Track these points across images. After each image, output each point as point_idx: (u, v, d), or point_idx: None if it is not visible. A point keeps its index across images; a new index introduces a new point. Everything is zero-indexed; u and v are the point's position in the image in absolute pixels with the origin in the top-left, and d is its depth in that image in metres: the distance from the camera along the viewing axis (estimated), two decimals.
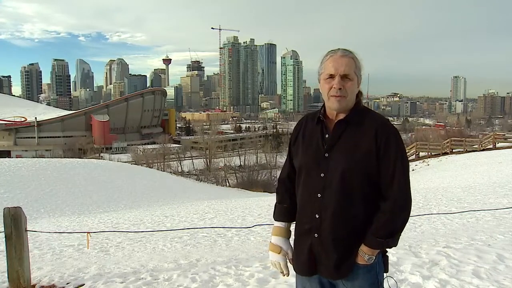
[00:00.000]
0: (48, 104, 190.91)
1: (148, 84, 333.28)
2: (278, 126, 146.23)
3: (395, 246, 1.98)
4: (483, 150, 33.96)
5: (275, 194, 2.30)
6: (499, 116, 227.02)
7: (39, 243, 8.18)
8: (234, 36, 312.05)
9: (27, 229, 4.21)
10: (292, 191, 2.15)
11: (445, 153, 35.14)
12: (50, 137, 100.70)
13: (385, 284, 2.08)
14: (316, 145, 2.01)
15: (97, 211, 18.10)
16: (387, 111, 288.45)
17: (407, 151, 2.19)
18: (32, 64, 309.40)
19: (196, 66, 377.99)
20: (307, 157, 2.02)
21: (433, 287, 3.79)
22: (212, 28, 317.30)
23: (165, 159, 70.92)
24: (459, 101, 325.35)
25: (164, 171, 53.84)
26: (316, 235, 1.97)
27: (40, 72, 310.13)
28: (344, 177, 1.91)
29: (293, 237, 2.12)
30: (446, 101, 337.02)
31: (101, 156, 76.99)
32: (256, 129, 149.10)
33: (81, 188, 22.77)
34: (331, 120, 2.02)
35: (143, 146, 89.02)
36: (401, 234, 1.99)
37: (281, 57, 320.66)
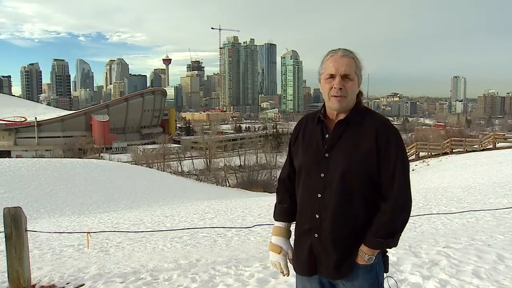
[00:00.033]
0: (48, 104, 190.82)
1: (148, 84, 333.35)
2: (278, 126, 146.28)
3: (395, 246, 1.98)
4: (483, 150, 33.96)
5: (275, 194, 2.30)
6: (499, 116, 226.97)
7: (39, 243, 8.18)
8: (234, 36, 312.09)
9: (27, 229, 4.21)
10: (292, 191, 2.14)
11: (445, 153, 35.15)
12: (50, 137, 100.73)
13: (385, 284, 2.08)
14: (316, 145, 2.00)
15: (97, 211, 18.09)
16: (387, 111, 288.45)
17: (407, 151, 2.18)
18: (32, 64, 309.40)
19: (196, 66, 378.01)
20: (307, 157, 2.02)
21: (433, 287, 3.79)
22: (212, 28, 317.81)
23: (165, 159, 70.92)
24: (459, 101, 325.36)
25: (164, 171, 53.84)
26: (316, 235, 1.97)
27: (40, 72, 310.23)
28: (344, 177, 1.91)
29: (293, 237, 2.12)
30: (446, 101, 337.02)
31: (101, 156, 77.00)
32: (256, 129, 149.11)
33: (81, 188, 22.77)
34: (332, 120, 2.02)
35: (143, 146, 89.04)
36: (401, 234, 1.99)
37: (281, 57, 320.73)
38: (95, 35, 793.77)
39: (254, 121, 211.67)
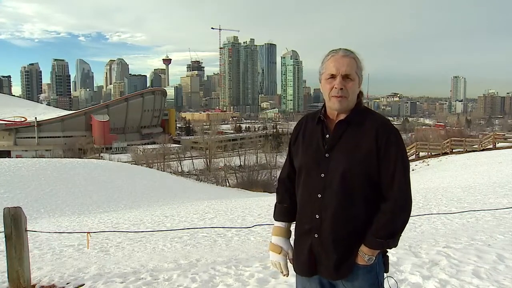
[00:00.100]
0: (48, 104, 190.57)
1: (148, 84, 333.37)
2: (278, 126, 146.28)
3: (395, 246, 1.97)
4: (483, 150, 33.95)
5: (275, 194, 2.30)
6: (499, 116, 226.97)
7: (39, 243, 8.18)
8: (234, 36, 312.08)
9: (27, 229, 4.21)
10: (292, 191, 2.14)
11: (445, 153, 35.15)
12: (50, 137, 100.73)
13: (385, 284, 2.08)
14: (317, 145, 2.00)
15: (97, 211, 18.10)
16: (387, 111, 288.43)
17: (407, 151, 2.18)
18: (32, 64, 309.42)
19: (196, 66, 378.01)
20: (307, 157, 2.02)
21: (433, 287, 3.79)
22: (212, 28, 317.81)
23: (165, 159, 70.93)
24: (459, 101, 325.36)
25: (164, 171, 53.84)
26: (316, 235, 1.97)
27: (40, 72, 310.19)
28: (344, 178, 1.91)
29: (293, 237, 2.12)
30: (446, 101, 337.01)
31: (101, 156, 77.00)
32: (256, 129, 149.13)
33: (81, 188, 22.77)
34: (332, 120, 2.01)
35: (143, 146, 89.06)
36: (401, 234, 1.99)
37: (281, 57, 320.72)
38: (95, 35, 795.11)
39: (254, 121, 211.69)
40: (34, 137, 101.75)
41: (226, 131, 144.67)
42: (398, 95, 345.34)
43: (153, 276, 4.46)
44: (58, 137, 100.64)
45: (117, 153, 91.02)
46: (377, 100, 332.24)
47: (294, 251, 2.10)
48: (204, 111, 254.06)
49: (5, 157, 42.81)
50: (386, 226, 1.91)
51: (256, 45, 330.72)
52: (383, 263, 2.03)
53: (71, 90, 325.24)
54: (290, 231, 2.17)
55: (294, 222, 2.12)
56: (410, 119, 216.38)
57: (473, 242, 5.29)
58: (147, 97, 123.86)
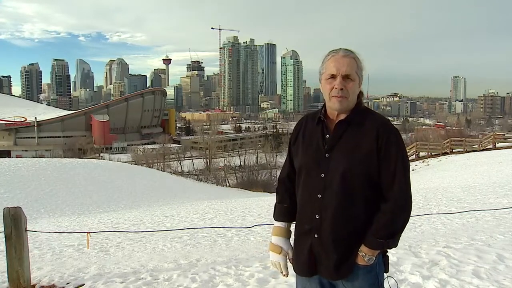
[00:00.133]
0: (48, 104, 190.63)
1: (148, 84, 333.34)
2: (278, 126, 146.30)
3: (395, 246, 1.97)
4: (483, 150, 33.96)
5: (275, 194, 2.30)
6: (499, 116, 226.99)
7: (39, 243, 8.18)
8: (234, 36, 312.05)
9: (27, 229, 4.21)
10: (292, 191, 2.14)
11: (445, 153, 35.15)
12: (50, 137, 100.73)
13: (386, 284, 2.07)
14: (317, 145, 2.00)
15: (97, 211, 18.10)
16: (387, 111, 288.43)
17: (407, 151, 2.19)
18: (32, 64, 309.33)
19: (196, 66, 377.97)
20: (307, 157, 2.02)
21: (433, 287, 3.79)
22: (212, 28, 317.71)
23: (165, 159, 70.94)
24: (459, 101, 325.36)
25: (164, 171, 53.85)
26: (316, 235, 1.97)
27: (40, 72, 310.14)
28: (345, 178, 1.91)
29: (293, 237, 2.12)
30: (446, 101, 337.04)
31: (101, 156, 77.01)
32: (256, 129, 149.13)
33: (81, 188, 22.77)
34: (332, 120, 2.01)
35: (143, 146, 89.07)
36: (401, 234, 1.99)
37: (281, 57, 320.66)
38: (95, 35, 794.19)
39: (254, 121, 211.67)
40: (34, 137, 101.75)
41: (226, 131, 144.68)
42: (398, 95, 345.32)
43: (153, 276, 4.46)
44: (58, 137, 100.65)
45: (117, 153, 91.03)
46: (377, 100, 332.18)
47: (294, 251, 2.10)
48: (204, 111, 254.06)
49: (5, 157, 42.82)
50: (386, 226, 1.91)
51: (256, 45, 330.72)
52: (383, 263, 2.03)
53: (71, 90, 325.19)
54: (290, 231, 2.17)
55: (294, 222, 2.12)
56: (410, 119, 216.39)
57: (473, 242, 5.29)
58: (147, 97, 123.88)
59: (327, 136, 1.99)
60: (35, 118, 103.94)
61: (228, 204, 15.92)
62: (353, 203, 1.92)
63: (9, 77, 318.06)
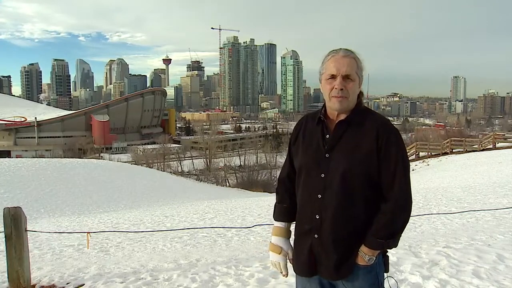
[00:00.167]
0: (48, 104, 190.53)
1: (148, 84, 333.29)
2: (278, 126, 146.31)
3: (396, 246, 1.97)
4: (483, 150, 33.96)
5: (275, 194, 2.30)
6: (499, 116, 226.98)
7: (39, 243, 8.18)
8: (234, 36, 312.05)
9: (27, 229, 4.21)
10: (292, 191, 2.14)
11: (445, 153, 35.15)
12: (50, 137, 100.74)
13: (386, 284, 2.07)
14: (317, 145, 2.00)
15: (97, 211, 18.10)
16: (387, 111, 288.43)
17: (407, 151, 2.20)
18: (32, 64, 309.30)
19: (196, 66, 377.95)
20: (307, 157, 2.02)
21: (433, 287, 3.79)
22: (212, 28, 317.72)
23: (165, 159, 70.93)
24: (459, 101, 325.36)
25: (164, 171, 53.85)
26: (316, 235, 1.97)
27: (40, 72, 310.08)
28: (345, 178, 1.91)
29: (293, 237, 2.12)
30: (446, 101, 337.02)
31: (101, 156, 77.01)
32: (256, 129, 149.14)
33: (81, 188, 22.77)
34: (332, 121, 2.01)
35: (143, 146, 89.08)
36: (402, 234, 1.98)
37: (281, 57, 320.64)
38: (95, 35, 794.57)
39: (254, 121, 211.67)
40: (34, 137, 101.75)
41: (226, 131, 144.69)
42: (398, 95, 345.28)
43: (153, 276, 4.46)
44: (58, 137, 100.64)
45: (117, 153, 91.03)
46: (377, 100, 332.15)
47: (294, 251, 2.10)
48: (204, 111, 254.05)
49: (5, 157, 42.83)
50: (387, 226, 1.91)
51: (256, 45, 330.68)
52: (383, 263, 2.03)
53: (71, 90, 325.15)
54: (290, 231, 2.17)
55: (294, 222, 2.12)
56: (410, 119, 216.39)
57: (473, 242, 5.29)
58: (147, 97, 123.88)
59: (327, 136, 1.99)
60: (35, 118, 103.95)
61: (228, 204, 15.92)
62: (353, 203, 1.92)
63: (9, 77, 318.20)
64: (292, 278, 2.31)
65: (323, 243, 1.96)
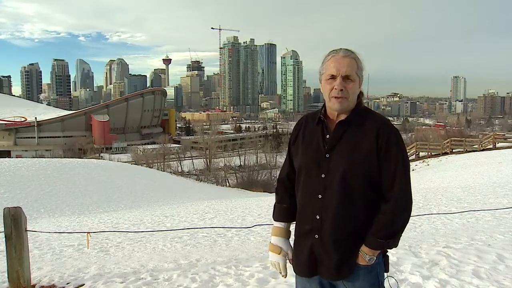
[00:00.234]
0: (48, 104, 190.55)
1: (148, 84, 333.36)
2: (278, 126, 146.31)
3: (396, 246, 1.97)
4: (483, 150, 33.95)
5: (274, 194, 2.30)
6: (499, 116, 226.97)
7: (39, 243, 8.18)
8: (234, 36, 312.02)
9: (27, 229, 4.21)
10: (292, 191, 2.13)
11: (445, 153, 35.14)
12: (50, 137, 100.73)
13: (386, 284, 2.07)
14: (317, 146, 2.00)
15: (97, 211, 18.10)
16: (387, 111, 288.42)
17: (407, 151, 2.20)
18: (32, 64, 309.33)
19: (196, 66, 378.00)
20: (307, 157, 2.01)
21: (433, 287, 3.79)
22: (212, 28, 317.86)
23: (165, 159, 70.94)
24: (459, 101, 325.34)
25: (164, 171, 53.85)
26: (316, 236, 1.97)
27: (40, 72, 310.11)
28: (345, 178, 1.90)
29: (293, 237, 2.12)
30: (446, 101, 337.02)
31: (101, 156, 77.01)
32: (256, 129, 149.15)
33: (81, 188, 22.77)
34: (332, 121, 2.01)
35: (143, 146, 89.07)
36: (402, 234, 1.98)
37: (281, 57, 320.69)
38: (95, 35, 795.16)
39: (254, 121, 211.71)
40: (34, 137, 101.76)
41: (226, 131, 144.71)
42: (398, 95, 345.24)
43: (153, 276, 4.46)
44: (58, 137, 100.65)
45: (117, 153, 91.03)
46: (377, 100, 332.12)
47: (294, 252, 2.10)
48: (204, 111, 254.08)
49: (5, 157, 42.83)
50: (387, 227, 1.91)
51: (256, 45, 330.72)
52: (384, 263, 2.03)
53: (71, 90, 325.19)
54: (290, 231, 2.16)
55: (294, 222, 2.12)
56: (410, 119, 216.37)
57: (473, 242, 5.29)
58: (147, 97, 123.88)
59: (327, 136, 1.99)
60: (35, 118, 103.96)
61: (228, 204, 15.92)
62: (353, 203, 1.92)
63: (9, 77, 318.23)
64: (292, 278, 2.31)
65: (323, 243, 1.95)
